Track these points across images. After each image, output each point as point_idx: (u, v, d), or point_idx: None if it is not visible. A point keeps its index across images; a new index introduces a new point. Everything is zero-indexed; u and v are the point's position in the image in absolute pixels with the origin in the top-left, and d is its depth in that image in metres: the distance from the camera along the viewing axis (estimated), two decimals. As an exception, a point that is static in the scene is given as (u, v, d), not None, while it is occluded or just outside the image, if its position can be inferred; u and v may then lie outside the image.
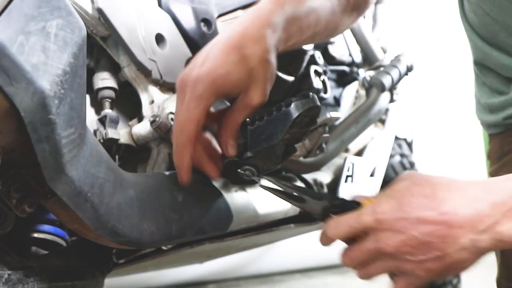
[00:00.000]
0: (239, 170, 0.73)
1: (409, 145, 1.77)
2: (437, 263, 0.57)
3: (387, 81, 1.13)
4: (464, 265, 0.58)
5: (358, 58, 1.29)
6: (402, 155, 1.69)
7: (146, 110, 0.80)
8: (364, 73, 1.26)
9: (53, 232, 0.80)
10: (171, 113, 0.78)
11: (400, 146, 1.71)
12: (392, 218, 0.58)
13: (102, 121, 0.76)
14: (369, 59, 1.28)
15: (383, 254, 0.59)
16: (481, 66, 0.83)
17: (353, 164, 1.10)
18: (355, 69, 1.27)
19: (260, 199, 0.86)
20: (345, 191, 1.07)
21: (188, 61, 0.88)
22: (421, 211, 0.57)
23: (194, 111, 0.66)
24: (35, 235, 0.79)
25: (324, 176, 1.07)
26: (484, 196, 0.57)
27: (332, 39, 1.20)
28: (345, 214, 0.63)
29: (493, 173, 0.86)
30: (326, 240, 0.65)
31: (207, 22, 0.92)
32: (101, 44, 0.78)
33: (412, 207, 0.58)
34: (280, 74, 0.95)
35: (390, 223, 0.58)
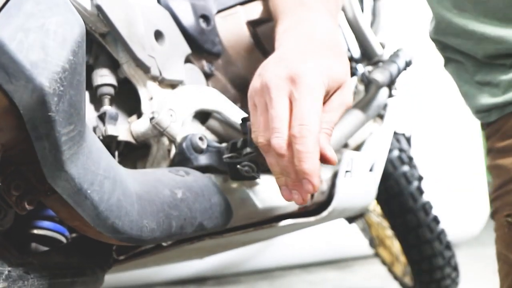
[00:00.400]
0: (238, 166, 0.73)
1: (408, 140, 1.77)
2: None
3: (386, 76, 1.12)
4: None
5: (356, 54, 1.28)
6: (401, 150, 1.69)
7: (145, 106, 0.80)
8: (363, 69, 1.26)
9: (53, 229, 0.80)
10: (171, 109, 0.78)
11: (398, 141, 1.71)
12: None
13: (102, 117, 0.76)
14: (367, 54, 1.28)
15: None
16: (492, 55, 0.80)
17: (352, 159, 1.10)
18: (353, 64, 1.27)
19: (260, 195, 0.86)
20: (344, 186, 1.07)
21: (187, 58, 0.88)
22: None
23: (314, 107, 0.59)
24: (35, 231, 0.79)
25: (323, 172, 1.07)
26: None
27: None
28: None
29: (509, 147, 0.81)
30: None
31: (206, 18, 0.92)
32: (100, 41, 0.78)
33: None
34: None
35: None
